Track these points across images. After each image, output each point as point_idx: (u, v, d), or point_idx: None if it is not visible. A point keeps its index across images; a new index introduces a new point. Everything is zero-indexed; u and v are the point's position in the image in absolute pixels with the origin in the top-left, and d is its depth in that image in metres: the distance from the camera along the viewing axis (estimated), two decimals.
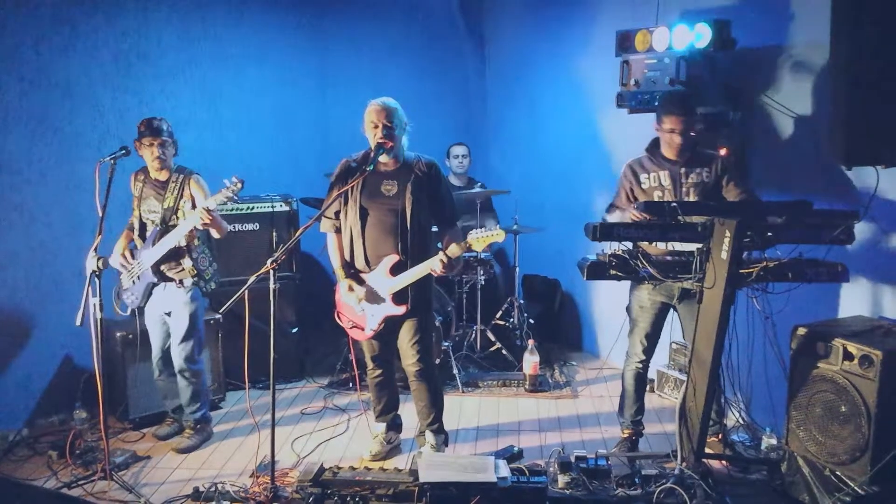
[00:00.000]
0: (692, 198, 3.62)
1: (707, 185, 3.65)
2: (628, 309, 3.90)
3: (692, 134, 3.64)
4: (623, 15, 4.85)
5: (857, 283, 3.65)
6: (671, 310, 3.83)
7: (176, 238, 3.83)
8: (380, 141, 3.53)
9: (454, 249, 3.51)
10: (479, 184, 5.69)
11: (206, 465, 3.95)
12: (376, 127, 3.55)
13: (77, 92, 4.47)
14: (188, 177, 3.97)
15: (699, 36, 3.88)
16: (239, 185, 3.60)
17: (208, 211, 3.68)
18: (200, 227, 3.78)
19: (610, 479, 3.47)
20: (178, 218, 3.92)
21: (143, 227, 4.03)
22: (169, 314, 4.04)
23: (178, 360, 4.06)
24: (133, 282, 4.02)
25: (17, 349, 4.31)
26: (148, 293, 4.01)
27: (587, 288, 5.72)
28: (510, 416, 4.58)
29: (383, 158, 3.60)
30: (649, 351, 3.87)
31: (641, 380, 3.93)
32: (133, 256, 4.02)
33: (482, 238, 3.48)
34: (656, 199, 3.62)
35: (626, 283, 3.84)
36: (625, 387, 3.97)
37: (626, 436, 3.99)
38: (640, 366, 3.89)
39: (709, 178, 3.66)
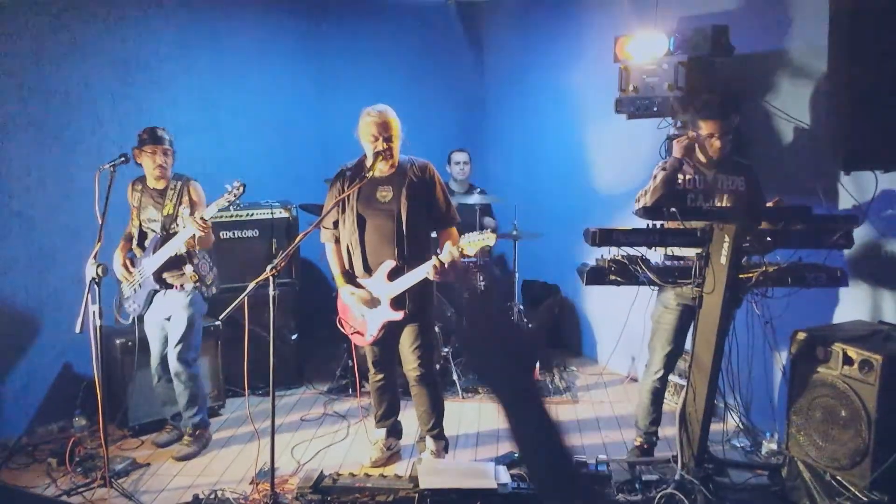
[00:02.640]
0: (725, 204, 3.56)
1: (742, 195, 3.59)
2: (652, 315, 3.81)
3: (730, 137, 3.58)
4: (621, 21, 4.86)
5: (857, 288, 3.65)
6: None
7: (176, 245, 3.84)
8: (381, 150, 3.53)
9: (448, 254, 3.51)
10: (479, 190, 5.69)
11: (206, 472, 3.94)
12: (376, 139, 3.55)
13: (76, 99, 4.47)
14: (186, 183, 3.99)
15: (697, 42, 3.89)
16: (241, 190, 3.62)
17: (204, 220, 3.71)
18: (200, 235, 3.79)
19: (610, 485, 3.46)
20: (177, 225, 3.92)
21: (142, 235, 4.03)
22: (169, 319, 4.05)
23: (172, 363, 4.05)
24: (134, 290, 4.03)
25: (17, 356, 4.30)
26: (149, 300, 4.02)
27: (587, 293, 5.72)
28: None
29: (380, 166, 3.60)
30: (670, 362, 3.74)
31: (658, 394, 3.82)
32: (133, 265, 4.03)
33: (474, 242, 3.49)
34: (688, 202, 3.57)
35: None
36: (641, 399, 3.88)
37: (637, 444, 3.91)
38: (658, 378, 3.76)
39: (743, 188, 3.61)
